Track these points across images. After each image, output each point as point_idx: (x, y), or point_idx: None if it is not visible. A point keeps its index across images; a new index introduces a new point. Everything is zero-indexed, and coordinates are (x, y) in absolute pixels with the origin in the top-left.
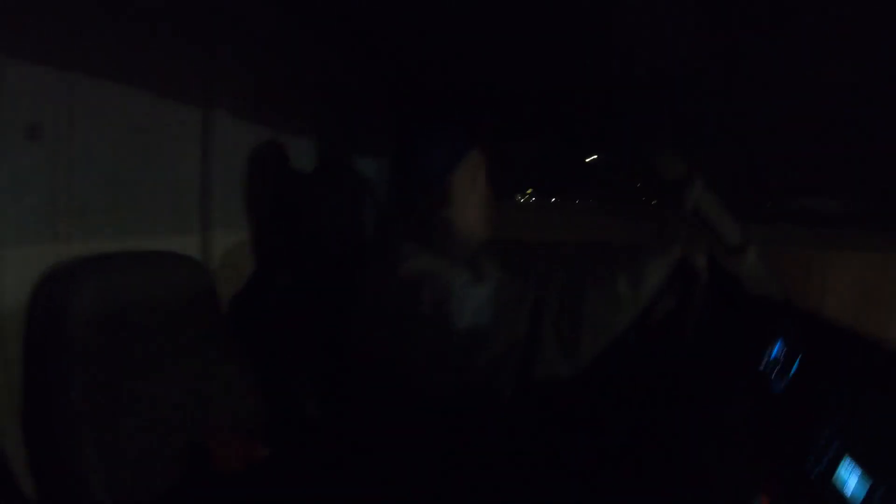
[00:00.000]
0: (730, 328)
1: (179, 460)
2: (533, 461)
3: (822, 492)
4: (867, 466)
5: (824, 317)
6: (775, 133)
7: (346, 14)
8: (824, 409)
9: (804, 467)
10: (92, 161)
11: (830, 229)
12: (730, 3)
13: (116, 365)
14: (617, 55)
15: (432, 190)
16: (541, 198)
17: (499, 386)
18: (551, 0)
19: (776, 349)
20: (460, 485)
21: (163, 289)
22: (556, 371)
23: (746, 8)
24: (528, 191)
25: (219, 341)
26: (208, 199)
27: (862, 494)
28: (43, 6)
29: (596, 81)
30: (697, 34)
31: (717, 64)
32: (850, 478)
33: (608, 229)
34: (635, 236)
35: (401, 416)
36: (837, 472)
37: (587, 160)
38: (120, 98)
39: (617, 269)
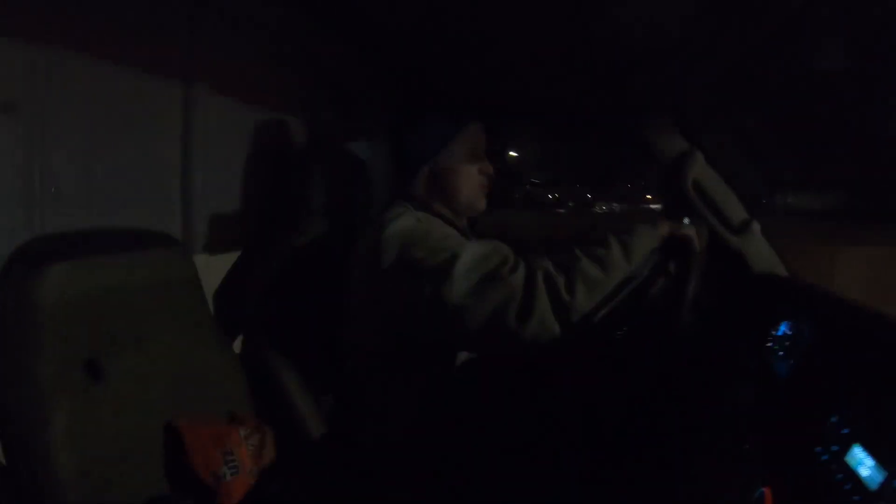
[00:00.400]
0: (734, 306)
1: (156, 445)
2: (531, 439)
3: (832, 474)
4: (880, 456)
5: (831, 293)
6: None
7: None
8: (832, 395)
9: (811, 455)
10: (68, 141)
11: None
12: None
13: (89, 347)
14: (616, 32)
15: (431, 158)
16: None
17: (494, 342)
18: None
19: (782, 327)
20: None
21: (139, 268)
22: (551, 328)
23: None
24: (526, 186)
25: (200, 323)
26: (190, 181)
27: (878, 478)
28: None
29: (593, 59)
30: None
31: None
32: (860, 468)
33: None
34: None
35: (396, 390)
36: (848, 455)
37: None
38: (99, 76)
39: (606, 234)
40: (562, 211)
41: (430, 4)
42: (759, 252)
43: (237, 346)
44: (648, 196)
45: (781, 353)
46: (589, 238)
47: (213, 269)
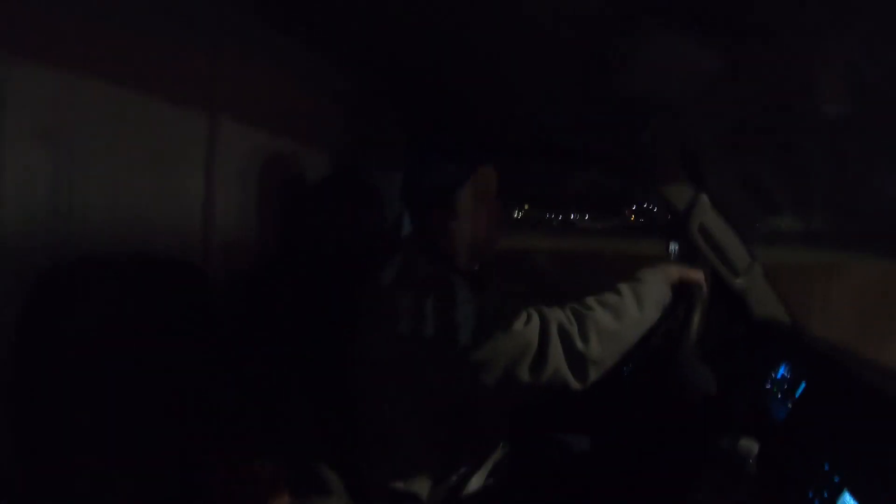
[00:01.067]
0: (735, 348)
1: (173, 470)
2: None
3: None
4: (866, 502)
5: (829, 341)
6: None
7: (357, 28)
8: (826, 442)
9: (805, 500)
10: (95, 166)
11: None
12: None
13: (110, 369)
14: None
15: (442, 202)
16: (537, 212)
17: (506, 396)
18: (559, 23)
19: (781, 370)
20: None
21: (159, 294)
22: (564, 378)
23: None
24: (525, 206)
25: (217, 349)
26: (212, 207)
27: None
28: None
29: (604, 106)
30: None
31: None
32: None
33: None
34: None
35: (404, 428)
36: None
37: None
38: (124, 101)
39: (621, 284)
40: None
41: (447, 42)
42: (762, 295)
43: (252, 365)
44: (632, 212)
45: (780, 395)
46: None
47: (232, 292)
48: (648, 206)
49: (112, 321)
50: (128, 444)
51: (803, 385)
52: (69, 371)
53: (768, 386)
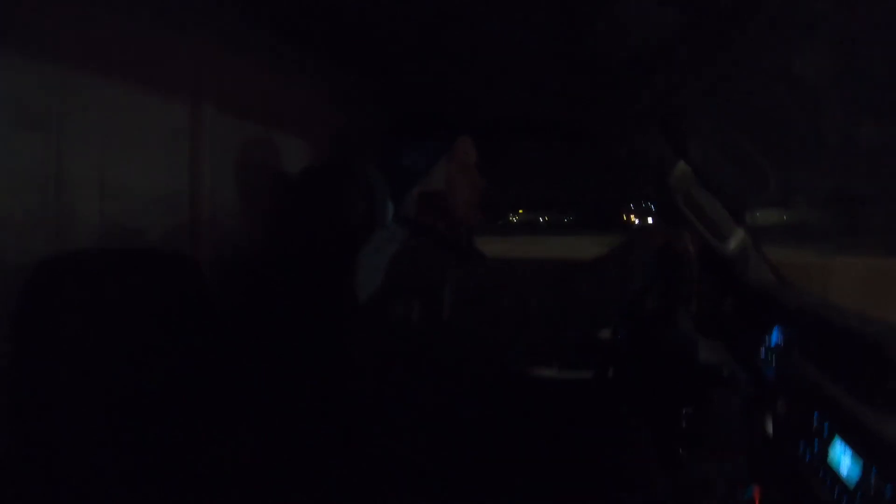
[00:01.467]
0: (726, 316)
1: (166, 458)
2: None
3: (816, 475)
4: (858, 447)
5: (819, 301)
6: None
7: (335, 19)
8: (816, 394)
9: (797, 452)
10: (82, 156)
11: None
12: None
13: (102, 361)
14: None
15: (421, 177)
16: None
17: (489, 364)
18: None
19: (774, 334)
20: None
21: (152, 286)
22: (545, 350)
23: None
24: (519, 211)
25: (210, 339)
26: (199, 198)
27: (856, 474)
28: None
29: (581, 67)
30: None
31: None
32: (842, 459)
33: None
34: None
35: (395, 405)
36: (830, 454)
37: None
38: (112, 94)
39: (602, 256)
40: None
41: (419, 18)
42: (750, 262)
43: (245, 357)
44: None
45: (773, 363)
46: (583, 261)
47: (223, 285)
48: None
49: (105, 313)
50: (123, 435)
51: (795, 345)
52: (64, 364)
53: (763, 355)
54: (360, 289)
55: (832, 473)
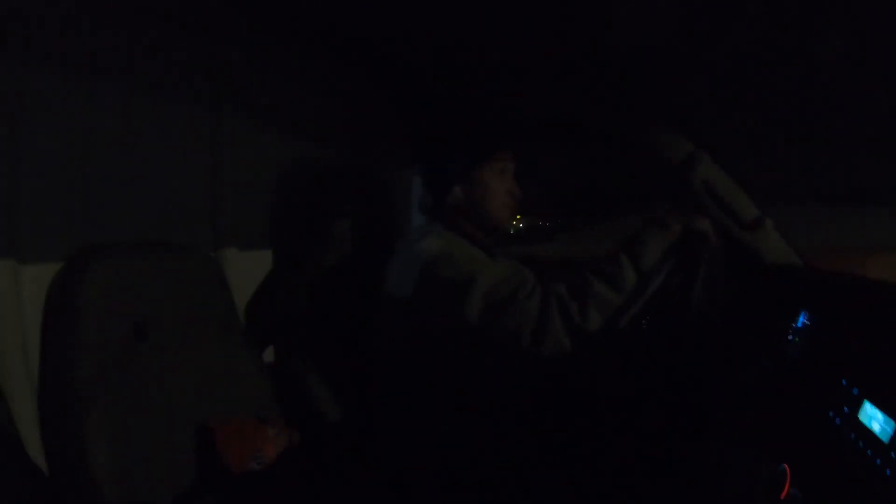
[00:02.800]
0: (751, 301)
1: (188, 449)
2: (552, 444)
3: (848, 437)
4: (889, 407)
5: (846, 275)
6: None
7: (365, 28)
8: (843, 360)
9: (826, 420)
10: (106, 164)
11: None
12: None
13: (124, 349)
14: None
15: (462, 179)
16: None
17: (511, 359)
18: None
19: (801, 318)
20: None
21: (173, 277)
22: (564, 348)
23: None
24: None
25: (229, 330)
26: (220, 200)
27: (890, 430)
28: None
29: (596, 66)
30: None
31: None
32: (872, 424)
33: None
34: None
35: (421, 401)
36: (860, 416)
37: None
38: (138, 103)
39: (618, 250)
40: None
41: (449, 25)
42: (774, 248)
43: (267, 353)
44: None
45: (800, 342)
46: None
47: (244, 280)
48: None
49: (128, 308)
50: (146, 426)
51: (823, 324)
52: (89, 356)
53: (790, 337)
54: (393, 291)
55: (864, 432)
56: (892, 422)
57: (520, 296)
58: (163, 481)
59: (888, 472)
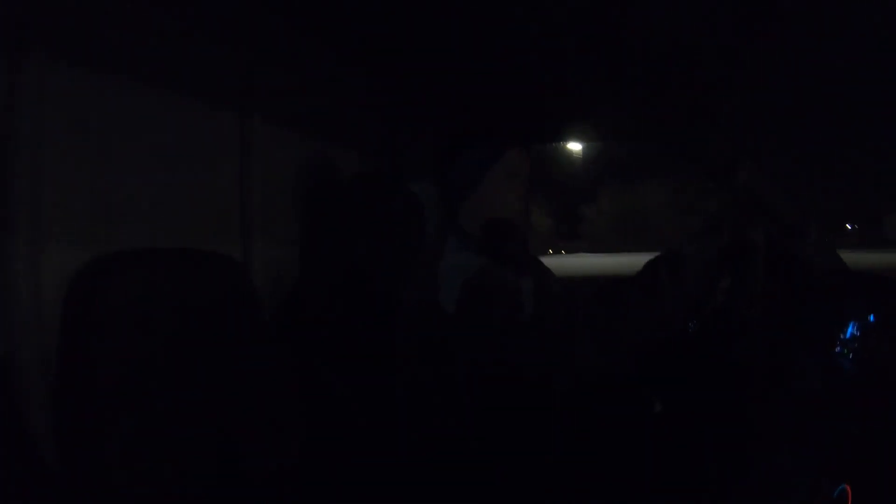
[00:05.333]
0: (797, 309)
1: (208, 456)
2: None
3: None
4: None
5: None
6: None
7: (385, 33)
8: None
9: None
10: (134, 167)
11: None
12: None
13: (147, 356)
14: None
15: (473, 189)
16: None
17: (537, 377)
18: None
19: (850, 328)
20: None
21: (198, 285)
22: (592, 363)
23: None
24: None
25: (256, 342)
26: (249, 207)
27: None
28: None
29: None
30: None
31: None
32: None
33: None
34: None
35: (444, 413)
36: None
37: None
38: (159, 105)
39: (655, 259)
40: None
41: (463, 28)
42: (820, 255)
43: (292, 358)
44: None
45: (851, 355)
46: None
47: (272, 286)
48: None
49: (152, 315)
50: (166, 434)
51: (875, 333)
52: (111, 365)
53: (838, 349)
54: (420, 301)
55: None
56: None
57: (549, 311)
58: (182, 486)
59: None
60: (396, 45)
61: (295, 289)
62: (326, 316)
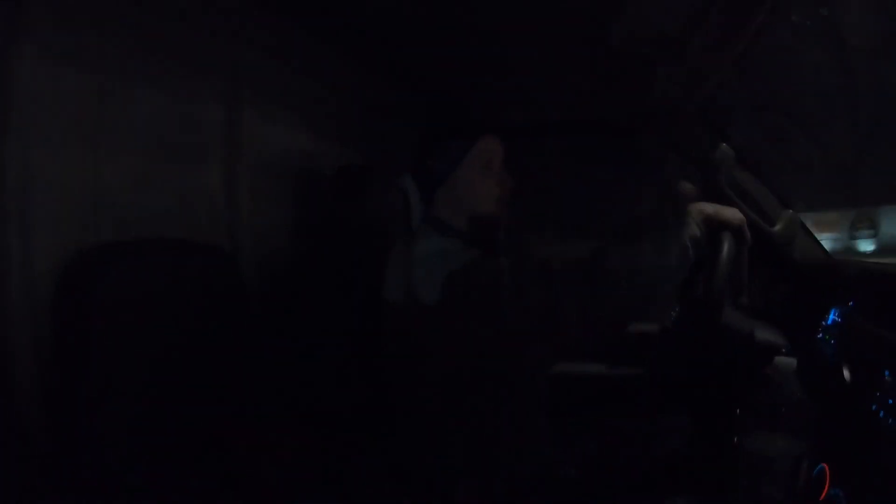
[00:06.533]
0: (778, 297)
1: (197, 448)
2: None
3: (892, 425)
4: None
5: (876, 266)
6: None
7: (367, 23)
8: (884, 353)
9: (870, 413)
10: (121, 160)
11: None
12: None
13: (137, 349)
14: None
15: (447, 178)
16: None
17: (523, 355)
18: None
19: (831, 315)
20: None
21: (187, 275)
22: (579, 338)
23: None
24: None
25: (246, 332)
26: (236, 198)
27: None
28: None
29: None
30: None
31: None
32: None
33: None
34: None
35: (427, 398)
36: None
37: None
38: (149, 101)
39: (639, 237)
40: None
41: (445, 19)
42: (803, 244)
43: (282, 351)
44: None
45: (833, 341)
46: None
47: (261, 278)
48: None
49: (142, 305)
50: (158, 424)
51: (856, 319)
52: (101, 354)
53: (820, 335)
54: (390, 292)
55: None
56: None
57: (531, 294)
58: (176, 483)
59: None
60: (378, 36)
61: (282, 280)
62: (313, 306)
